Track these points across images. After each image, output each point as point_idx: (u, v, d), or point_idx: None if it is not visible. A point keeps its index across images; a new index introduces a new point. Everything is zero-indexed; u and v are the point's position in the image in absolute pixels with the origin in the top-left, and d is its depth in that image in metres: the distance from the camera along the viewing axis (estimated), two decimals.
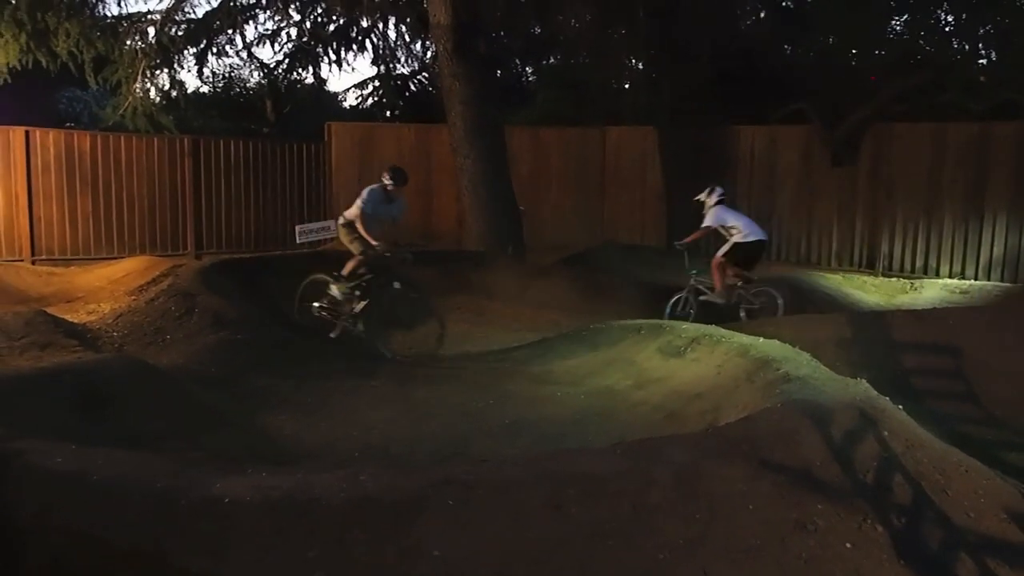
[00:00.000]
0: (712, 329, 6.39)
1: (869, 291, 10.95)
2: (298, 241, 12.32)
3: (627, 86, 16.62)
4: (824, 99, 12.40)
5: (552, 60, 18.66)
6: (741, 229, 8.65)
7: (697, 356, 6.06)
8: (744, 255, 8.64)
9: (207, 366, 6.38)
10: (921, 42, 13.02)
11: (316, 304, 7.91)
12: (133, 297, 8.99)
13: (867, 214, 12.38)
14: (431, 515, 2.95)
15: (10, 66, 12.52)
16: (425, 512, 2.96)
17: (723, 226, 8.74)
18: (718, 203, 8.82)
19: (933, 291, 10.73)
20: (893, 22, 13.64)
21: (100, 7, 13.43)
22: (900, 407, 4.19)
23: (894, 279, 11.56)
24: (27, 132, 12.10)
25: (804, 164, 12.96)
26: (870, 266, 12.26)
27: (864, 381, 4.50)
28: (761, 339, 5.85)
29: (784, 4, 15.24)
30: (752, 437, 3.56)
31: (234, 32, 15.48)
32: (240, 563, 2.85)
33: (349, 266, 7.86)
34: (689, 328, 6.48)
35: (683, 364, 6.05)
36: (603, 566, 2.87)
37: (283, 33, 16.69)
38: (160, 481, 3.20)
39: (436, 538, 2.88)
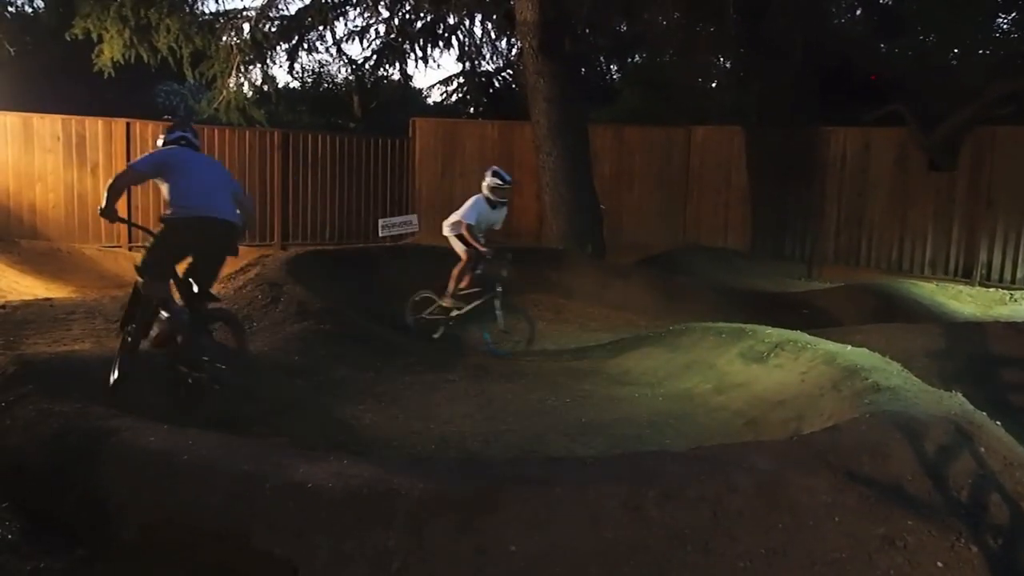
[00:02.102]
0: (797, 335, 6.24)
1: (964, 301, 10.51)
2: (381, 235, 12.55)
3: (714, 85, 16.36)
4: (921, 101, 11.94)
5: (638, 58, 18.50)
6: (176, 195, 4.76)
7: (780, 362, 5.92)
8: (175, 241, 4.76)
9: (290, 354, 6.54)
10: None
11: (425, 313, 8.09)
12: (222, 285, 9.27)
13: (965, 221, 11.87)
14: (508, 511, 2.96)
15: (114, 60, 13.10)
16: (502, 508, 2.97)
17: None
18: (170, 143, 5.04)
19: None
20: (999, 20, 13.08)
21: (199, 4, 13.98)
22: (998, 423, 4.01)
23: (992, 290, 11.06)
24: (128, 124, 12.63)
25: (899, 168, 12.51)
26: (966, 276, 11.76)
27: (959, 395, 4.32)
28: (849, 347, 5.68)
29: (881, 1, 14.75)
30: (838, 448, 3.45)
31: (324, 28, 15.85)
32: (320, 549, 2.91)
33: (456, 284, 7.92)
34: (773, 333, 6.33)
35: (765, 370, 5.92)
36: (681, 571, 2.83)
37: (372, 30, 17.00)
38: (246, 464, 3.29)
39: (513, 534, 2.88)
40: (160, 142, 5.02)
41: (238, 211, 4.93)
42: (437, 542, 2.88)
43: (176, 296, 4.85)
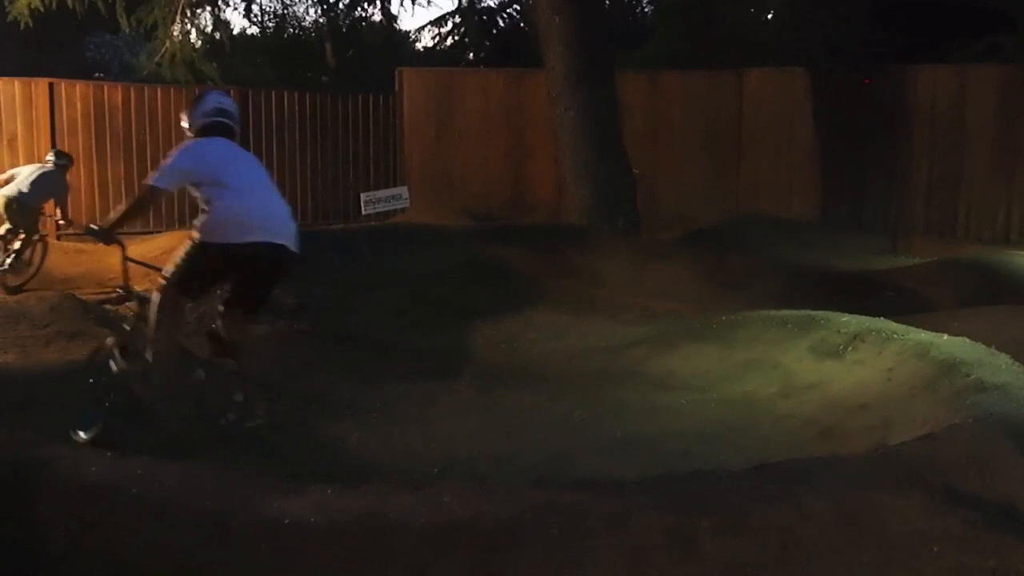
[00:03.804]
0: (881, 323, 6.23)
1: None
2: (363, 212, 12.60)
3: (770, 18, 16.28)
4: None
5: None
6: None
7: (861, 357, 5.92)
8: None
9: (258, 361, 6.58)
10: None
11: None
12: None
13: None
14: (531, 547, 2.97)
15: (32, 8, 13.11)
16: (523, 543, 2.98)
17: None
18: None
19: None
20: None
21: None
22: None
23: None
24: (51, 84, 12.69)
25: (1003, 114, 12.43)
26: None
27: None
28: (945, 336, 5.67)
29: None
30: (936, 462, 3.45)
31: None
32: None
33: None
34: (851, 322, 6.33)
35: (843, 367, 5.93)
36: None
37: None
38: (209, 498, 3.31)
39: (536, 575, 2.90)
40: None
41: None
42: None
43: None
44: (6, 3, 13.18)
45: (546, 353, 7.56)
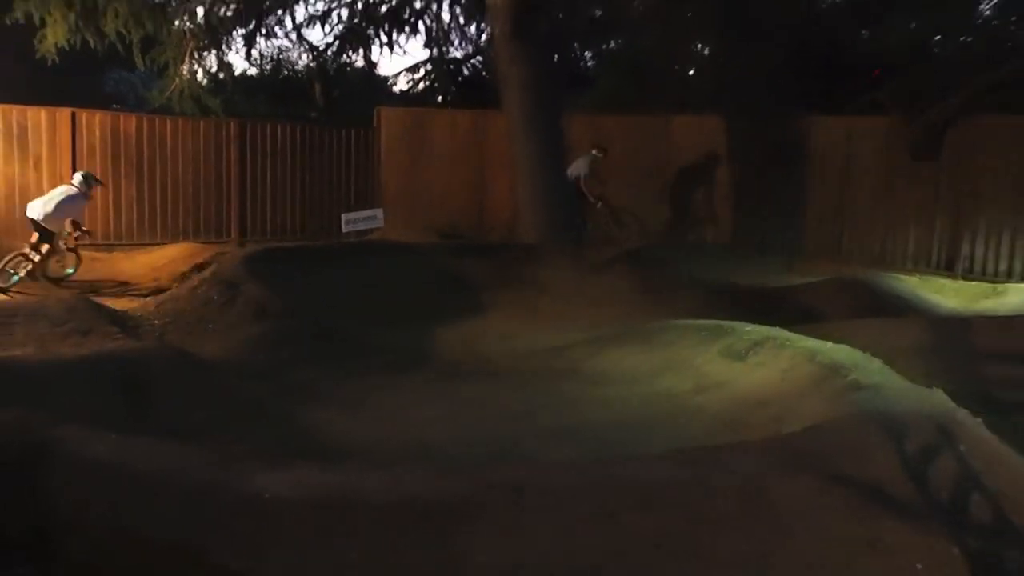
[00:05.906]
0: (777, 332, 6.30)
1: (948, 295, 10.65)
2: (344, 231, 12.48)
3: (692, 72, 16.46)
4: (905, 89, 12.10)
5: (613, 44, 18.57)
6: None
7: (761, 360, 5.97)
8: None
9: (249, 358, 6.52)
10: (1013, 28, 12.64)
11: None
12: (176, 284, 9.20)
13: (948, 213, 12.05)
14: (478, 520, 2.96)
15: (59, 46, 12.86)
16: (472, 517, 2.97)
17: None
18: None
19: (1019, 296, 10.36)
20: (981, 6, 13.31)
21: None
22: (980, 421, 4.07)
23: (975, 283, 11.22)
24: (73, 113, 12.43)
25: (881, 159, 12.66)
26: (949, 268, 11.94)
27: (941, 391, 4.39)
28: (829, 344, 5.74)
29: None
30: (820, 449, 3.50)
31: (284, 13, 15.78)
32: (279, 562, 2.90)
33: None
34: (753, 330, 6.39)
35: (746, 369, 5.97)
36: None
37: (334, 14, 16.91)
38: (201, 474, 3.27)
39: (483, 544, 2.89)
40: None
41: None
42: (402, 554, 2.88)
43: None
44: (35, 42, 12.91)
45: (498, 353, 7.56)
